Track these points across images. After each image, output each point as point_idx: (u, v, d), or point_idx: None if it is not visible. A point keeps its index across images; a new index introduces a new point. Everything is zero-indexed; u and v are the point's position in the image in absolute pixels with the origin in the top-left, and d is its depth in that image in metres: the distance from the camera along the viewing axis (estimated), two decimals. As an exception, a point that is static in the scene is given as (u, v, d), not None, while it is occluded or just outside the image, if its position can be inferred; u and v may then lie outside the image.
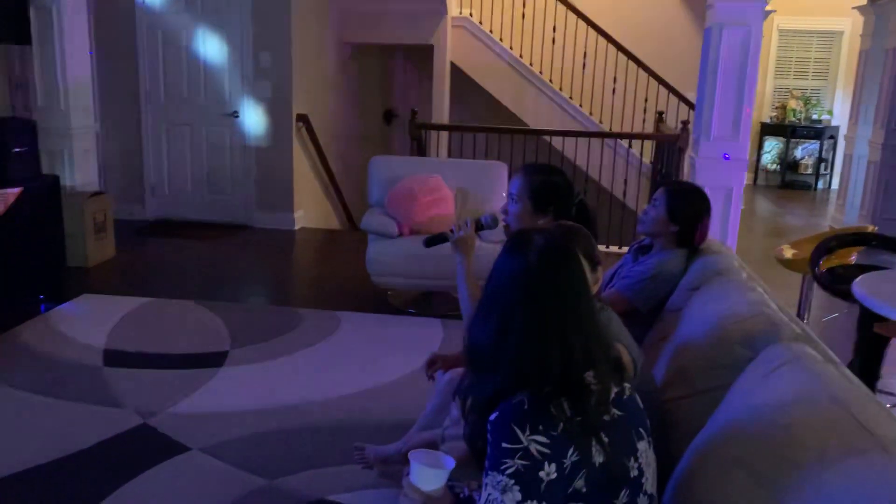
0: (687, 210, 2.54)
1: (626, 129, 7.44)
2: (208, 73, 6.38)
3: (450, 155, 7.49)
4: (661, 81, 7.36)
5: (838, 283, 2.99)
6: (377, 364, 3.66)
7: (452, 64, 7.60)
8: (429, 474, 1.48)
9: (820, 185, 9.94)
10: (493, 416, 1.29)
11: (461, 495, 1.55)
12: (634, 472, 1.32)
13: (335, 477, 2.65)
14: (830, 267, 3.25)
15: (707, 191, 2.69)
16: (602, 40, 7.42)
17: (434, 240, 2.51)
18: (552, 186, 2.34)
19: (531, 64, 7.71)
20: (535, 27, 7.62)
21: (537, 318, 1.34)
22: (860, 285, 2.70)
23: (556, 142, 7.25)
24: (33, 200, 4.35)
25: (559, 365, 1.31)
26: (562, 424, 1.25)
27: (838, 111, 9.79)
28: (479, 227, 2.40)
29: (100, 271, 5.12)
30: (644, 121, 7.42)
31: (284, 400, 3.24)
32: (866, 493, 1.14)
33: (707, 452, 1.53)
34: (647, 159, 7.51)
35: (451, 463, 1.50)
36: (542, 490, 1.23)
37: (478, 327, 1.42)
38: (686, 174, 5.45)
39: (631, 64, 7.36)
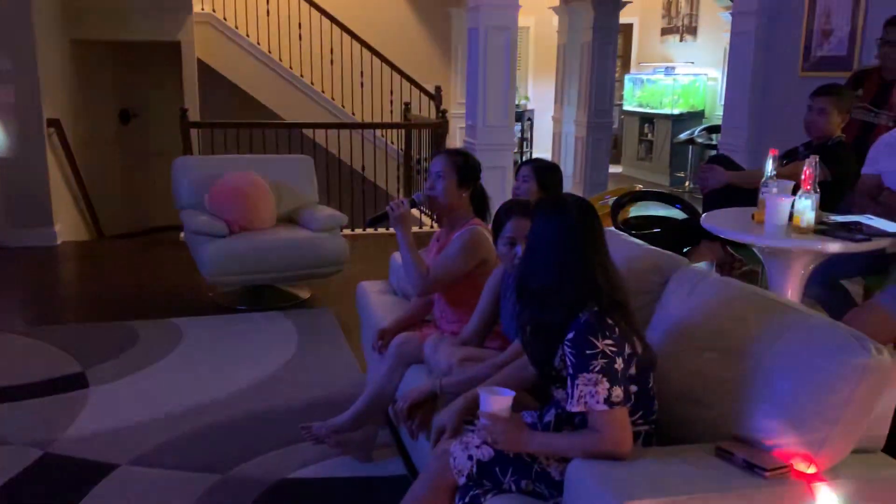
0: (555, 182, 3.13)
1: (377, 119, 7.99)
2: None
3: (203, 153, 7.35)
4: (403, 75, 8.01)
5: (635, 230, 3.83)
6: (252, 358, 3.74)
7: (199, 60, 7.45)
8: (502, 400, 1.87)
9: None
10: (570, 335, 1.74)
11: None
12: (654, 360, 1.87)
13: (287, 457, 2.80)
14: (625, 219, 4.14)
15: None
16: (347, 36, 7.84)
17: (377, 219, 2.83)
18: (473, 164, 2.81)
19: (280, 59, 7.87)
20: (280, 23, 7.79)
21: (589, 258, 1.80)
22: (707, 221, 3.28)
23: (309, 132, 7.54)
24: None
25: (606, 287, 1.79)
26: (618, 329, 1.74)
27: (532, 96, 11.44)
28: (413, 203, 2.78)
29: None
30: (392, 111, 8.04)
31: (184, 404, 3.22)
32: (804, 339, 1.80)
33: (670, 344, 2.11)
34: (396, 146, 8.14)
35: (512, 392, 1.91)
36: (619, 377, 1.70)
37: (538, 275, 1.84)
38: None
39: (375, 58, 7.90)
